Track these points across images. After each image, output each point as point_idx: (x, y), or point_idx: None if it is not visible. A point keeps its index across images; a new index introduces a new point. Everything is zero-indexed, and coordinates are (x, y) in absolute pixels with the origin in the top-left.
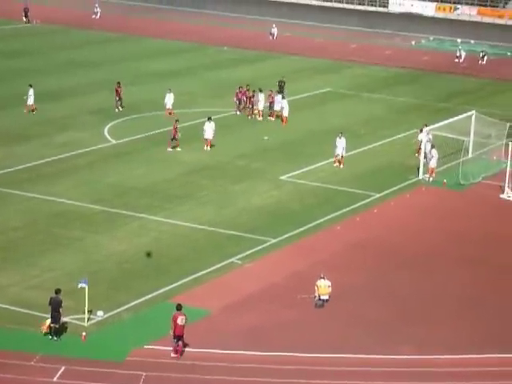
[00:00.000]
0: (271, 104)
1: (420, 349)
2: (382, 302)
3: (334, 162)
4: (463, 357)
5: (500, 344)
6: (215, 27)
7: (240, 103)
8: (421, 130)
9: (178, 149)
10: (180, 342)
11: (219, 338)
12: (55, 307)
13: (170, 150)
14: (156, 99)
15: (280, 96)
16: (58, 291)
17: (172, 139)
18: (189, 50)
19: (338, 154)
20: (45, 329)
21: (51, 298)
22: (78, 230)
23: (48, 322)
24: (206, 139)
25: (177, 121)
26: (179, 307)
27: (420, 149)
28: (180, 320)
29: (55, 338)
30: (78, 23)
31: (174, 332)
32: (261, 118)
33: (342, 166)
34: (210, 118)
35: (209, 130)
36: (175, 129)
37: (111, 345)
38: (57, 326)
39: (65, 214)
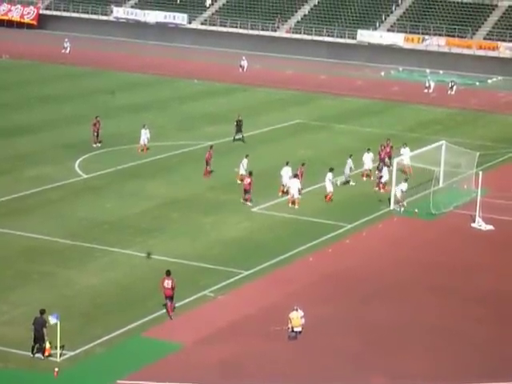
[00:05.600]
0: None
1: (393, 380)
2: (356, 333)
3: (279, 191)
4: None
5: (472, 374)
6: (185, 60)
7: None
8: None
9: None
10: (168, 302)
11: (193, 372)
12: (38, 327)
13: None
14: (126, 133)
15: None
16: (42, 312)
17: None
18: (159, 83)
19: (285, 185)
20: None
21: (35, 318)
22: (49, 264)
23: (48, 345)
24: (285, 186)
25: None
26: (168, 273)
27: (380, 183)
28: (166, 283)
29: (32, 356)
30: (47, 58)
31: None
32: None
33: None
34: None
35: (294, 186)
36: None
37: (84, 380)
38: (38, 346)
39: (36, 248)
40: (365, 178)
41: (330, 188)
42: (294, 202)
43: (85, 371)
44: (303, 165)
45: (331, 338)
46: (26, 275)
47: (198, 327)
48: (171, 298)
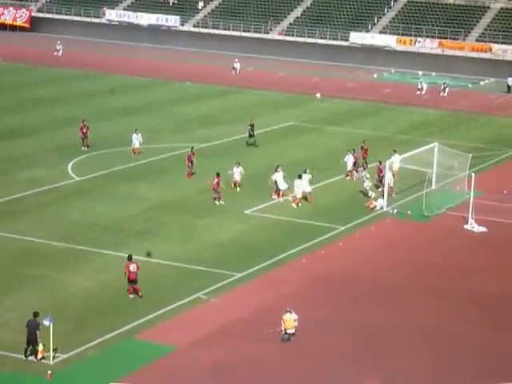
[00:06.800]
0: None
1: (387, 382)
2: (349, 334)
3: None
4: None
5: (467, 375)
6: (177, 63)
7: None
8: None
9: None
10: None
11: (186, 374)
12: (30, 330)
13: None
14: (120, 135)
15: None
16: (35, 314)
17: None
18: (152, 85)
19: (279, 190)
20: (40, 355)
21: (28, 321)
22: (43, 267)
23: (41, 347)
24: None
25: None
26: (130, 257)
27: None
28: (132, 268)
29: (25, 358)
30: (40, 60)
31: (128, 277)
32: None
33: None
34: (277, 167)
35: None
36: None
37: (77, 383)
38: (31, 349)
39: (29, 251)
40: (348, 178)
41: (307, 189)
42: (305, 199)
43: (77, 374)
44: (278, 167)
45: (325, 339)
46: (20, 278)
47: (191, 330)
48: (136, 281)
